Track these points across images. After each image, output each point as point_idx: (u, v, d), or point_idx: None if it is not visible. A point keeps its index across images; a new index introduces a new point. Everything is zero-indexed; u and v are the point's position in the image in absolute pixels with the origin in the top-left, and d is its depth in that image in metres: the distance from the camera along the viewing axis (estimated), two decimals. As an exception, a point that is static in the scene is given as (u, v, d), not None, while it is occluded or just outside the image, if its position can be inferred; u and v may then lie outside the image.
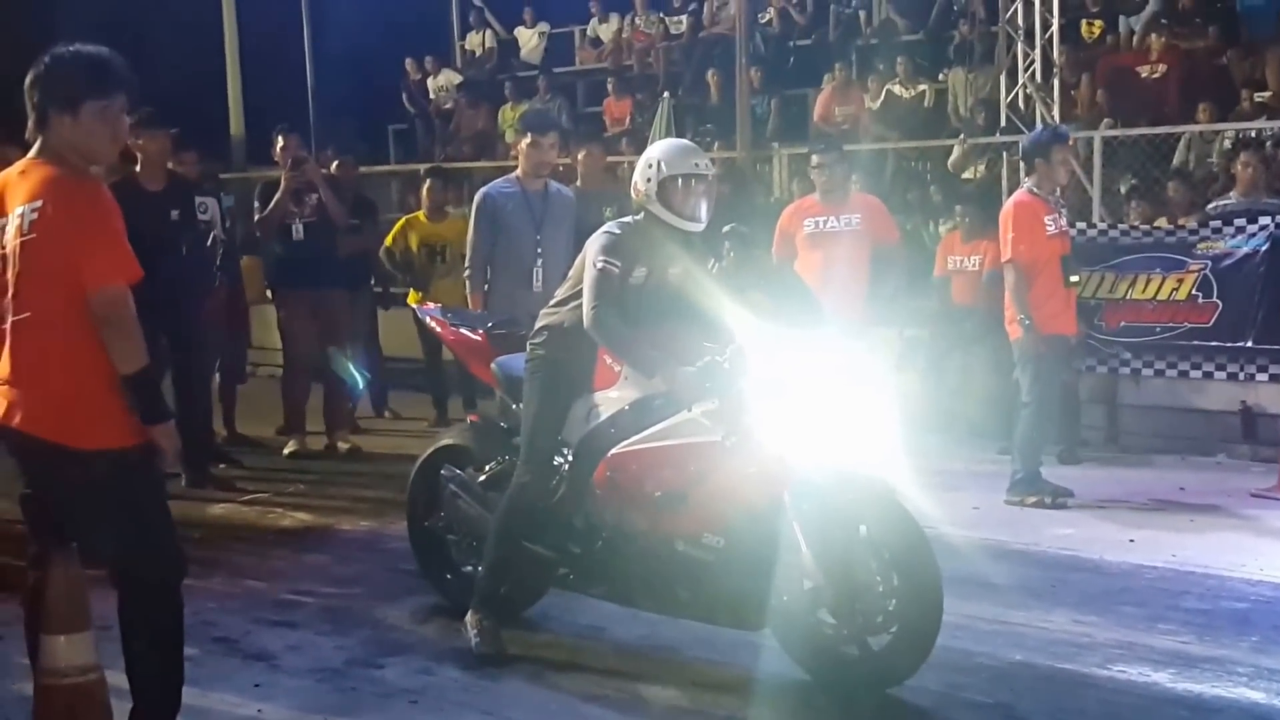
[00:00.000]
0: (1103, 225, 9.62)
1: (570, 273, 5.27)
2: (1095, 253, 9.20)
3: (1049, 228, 7.55)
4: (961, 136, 11.72)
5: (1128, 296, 9.16)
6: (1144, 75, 11.89)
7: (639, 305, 5.06)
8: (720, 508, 4.79)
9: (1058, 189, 7.97)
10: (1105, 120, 11.37)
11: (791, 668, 4.88)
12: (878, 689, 4.74)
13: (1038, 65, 11.83)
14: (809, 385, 4.71)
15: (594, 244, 5.05)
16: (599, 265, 4.95)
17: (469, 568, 5.66)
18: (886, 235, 8.26)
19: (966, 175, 11.58)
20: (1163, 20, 12.36)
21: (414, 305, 6.46)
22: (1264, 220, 8.75)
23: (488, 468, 5.58)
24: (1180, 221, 9.36)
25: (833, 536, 4.67)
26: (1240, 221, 8.87)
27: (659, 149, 5.15)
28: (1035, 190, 7.64)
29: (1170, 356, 8.99)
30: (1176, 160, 10.79)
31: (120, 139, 4.17)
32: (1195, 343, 8.88)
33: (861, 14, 15.12)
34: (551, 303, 5.29)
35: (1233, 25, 12.10)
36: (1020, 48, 11.92)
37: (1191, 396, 8.99)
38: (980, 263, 9.29)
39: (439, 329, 6.12)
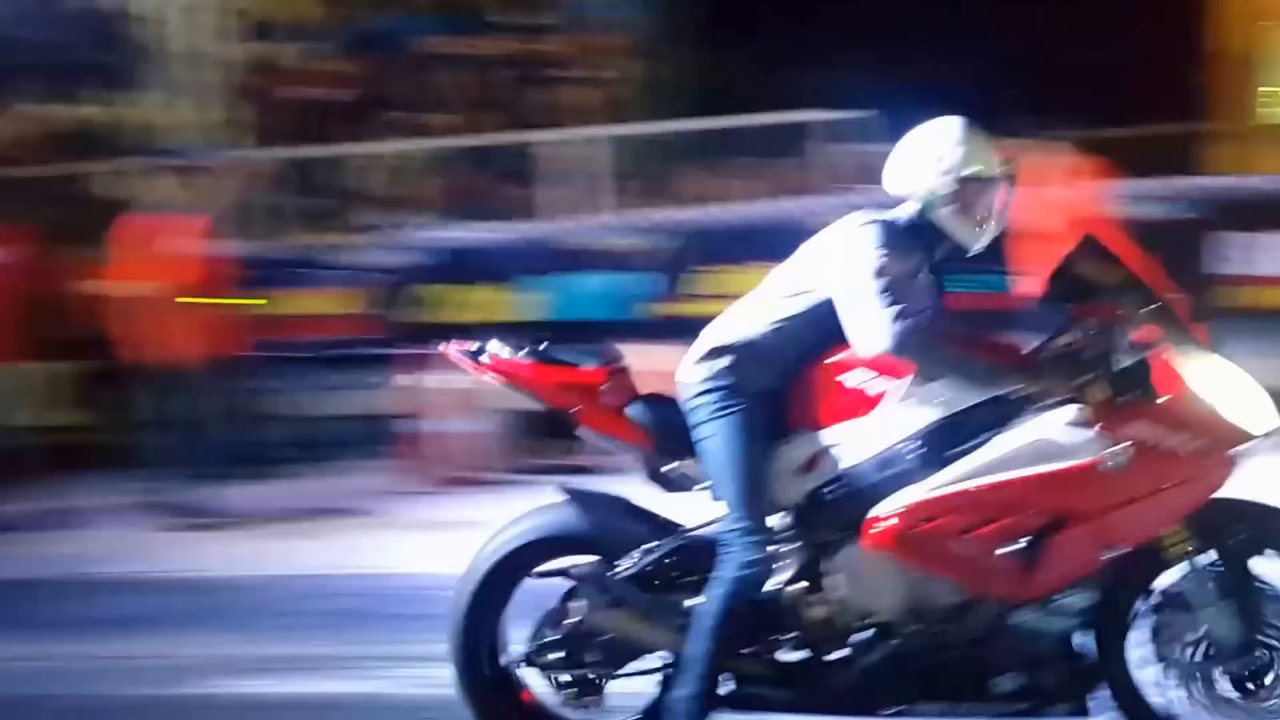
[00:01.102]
0: (271, 244, 9.72)
1: (773, 279, 3.85)
2: (266, 273, 8.97)
3: (171, 248, 7.30)
4: (115, 160, 11.30)
5: (293, 313, 9.09)
6: (301, 97, 12.17)
7: None
8: (1092, 556, 3.55)
9: (216, 209, 7.72)
10: (263, 141, 11.48)
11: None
12: None
13: (198, 87, 11.81)
14: (1220, 380, 3.53)
15: (862, 235, 3.64)
16: (883, 259, 3.56)
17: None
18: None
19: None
20: (322, 44, 12.74)
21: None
22: (423, 235, 9.10)
23: (624, 562, 3.87)
24: (339, 239, 9.70)
25: (1252, 587, 3.59)
26: (391, 236, 9.25)
27: (956, 132, 3.70)
28: (164, 210, 7.45)
29: (326, 369, 8.96)
30: (342, 179, 11.14)
31: None
32: (350, 353, 8.87)
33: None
34: (733, 317, 3.86)
35: (376, 48, 12.71)
36: (179, 70, 11.84)
37: (339, 406, 8.97)
38: None
39: (502, 370, 3.99)
